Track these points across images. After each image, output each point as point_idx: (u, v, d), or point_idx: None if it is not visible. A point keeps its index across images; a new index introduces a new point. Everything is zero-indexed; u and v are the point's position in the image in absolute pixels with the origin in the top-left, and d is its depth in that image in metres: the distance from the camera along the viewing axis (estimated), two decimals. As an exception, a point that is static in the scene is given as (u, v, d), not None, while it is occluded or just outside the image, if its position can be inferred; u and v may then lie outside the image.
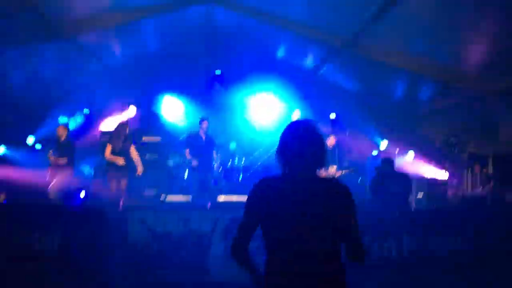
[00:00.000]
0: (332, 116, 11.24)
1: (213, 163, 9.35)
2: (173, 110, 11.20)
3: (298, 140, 2.31)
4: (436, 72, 8.19)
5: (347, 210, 2.24)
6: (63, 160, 7.93)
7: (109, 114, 10.97)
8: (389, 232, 6.28)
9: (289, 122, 2.48)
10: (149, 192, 9.60)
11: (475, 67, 7.66)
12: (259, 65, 10.60)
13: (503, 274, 6.15)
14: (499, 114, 9.22)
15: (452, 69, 8.00)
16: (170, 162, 10.68)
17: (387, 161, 6.82)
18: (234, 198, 8.71)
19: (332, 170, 8.55)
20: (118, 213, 6.20)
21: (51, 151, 8.08)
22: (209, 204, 7.96)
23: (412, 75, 8.57)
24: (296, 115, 11.46)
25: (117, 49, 9.16)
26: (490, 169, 10.05)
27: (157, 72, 10.36)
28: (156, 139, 10.29)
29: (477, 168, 10.30)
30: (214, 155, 9.28)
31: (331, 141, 9.04)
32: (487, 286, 6.00)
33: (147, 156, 10.18)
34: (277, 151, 2.39)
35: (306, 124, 2.38)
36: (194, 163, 8.60)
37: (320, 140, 2.33)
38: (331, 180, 2.36)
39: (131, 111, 10.85)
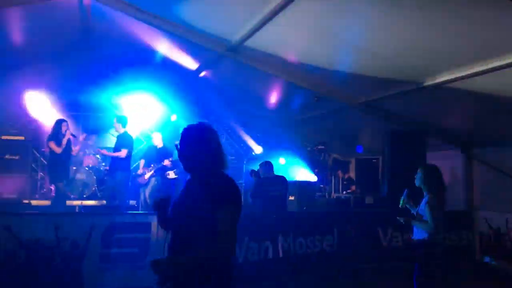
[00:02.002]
0: (211, 118, 11.37)
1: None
2: (39, 107, 10.31)
3: (188, 143, 2.56)
4: (308, 83, 8.75)
5: (216, 205, 2.47)
6: None
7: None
8: (267, 234, 6.56)
9: (185, 126, 2.67)
10: (9, 196, 8.70)
11: (342, 82, 8.36)
12: (136, 64, 10.27)
13: (364, 269, 6.85)
14: (358, 124, 10.20)
15: (321, 82, 8.62)
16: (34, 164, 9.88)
17: (266, 165, 7.09)
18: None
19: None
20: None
21: None
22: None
23: (288, 84, 9.03)
24: (174, 118, 11.37)
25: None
26: (352, 174, 11.06)
27: (22, 67, 9.43)
28: (19, 138, 9.36)
29: (340, 173, 11.26)
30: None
31: (155, 139, 9.43)
32: (351, 282, 6.60)
33: (7, 156, 9.25)
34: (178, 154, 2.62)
35: (194, 128, 2.62)
36: None
37: (205, 141, 2.55)
38: (219, 179, 2.55)
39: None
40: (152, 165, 9.28)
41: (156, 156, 9.36)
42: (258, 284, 6.14)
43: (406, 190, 4.71)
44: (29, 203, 7.92)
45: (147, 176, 9.15)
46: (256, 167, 8.10)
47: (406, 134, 8.46)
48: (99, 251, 5.69)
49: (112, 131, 9.59)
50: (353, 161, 11.24)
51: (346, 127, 10.71)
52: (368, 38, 6.55)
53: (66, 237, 5.56)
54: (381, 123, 9.00)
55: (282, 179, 7.08)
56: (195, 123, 2.69)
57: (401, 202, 4.77)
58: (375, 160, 9.83)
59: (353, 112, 9.21)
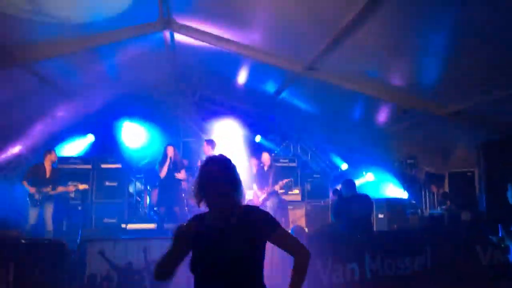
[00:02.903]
0: (294, 137, 11.40)
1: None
2: (134, 136, 11.07)
3: (209, 177, 2.48)
4: (392, 96, 8.44)
5: (270, 228, 2.50)
6: (53, 191, 7.98)
7: (67, 139, 10.81)
8: (352, 255, 6.34)
9: (205, 159, 2.65)
10: (108, 221, 9.35)
11: (428, 92, 7.94)
12: (221, 90, 10.67)
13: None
14: (452, 134, 9.56)
15: (407, 94, 8.27)
16: (131, 189, 10.55)
17: (348, 184, 6.90)
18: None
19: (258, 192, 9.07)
20: (76, 244, 5.99)
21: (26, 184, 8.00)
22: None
23: (370, 98, 8.78)
24: (258, 139, 11.56)
25: (74, 75, 8.96)
26: (446, 188, 10.35)
27: (117, 98, 10.24)
28: (116, 166, 10.07)
29: (434, 187, 10.58)
30: (183, 181, 9.22)
31: (265, 160, 9.24)
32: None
33: (107, 183, 9.98)
34: (195, 187, 2.55)
35: (215, 161, 2.56)
36: None
37: (228, 174, 2.51)
38: (250, 209, 2.57)
39: (89, 139, 10.86)
40: (265, 188, 9.17)
41: (265, 176, 9.22)
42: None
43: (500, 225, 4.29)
44: (125, 228, 8.44)
45: (261, 199, 9.06)
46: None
47: (504, 143, 7.78)
48: (185, 273, 5.87)
49: (202, 155, 9.75)
50: (447, 174, 10.53)
51: (437, 139, 10.11)
52: (453, 44, 6.21)
53: (154, 259, 5.84)
54: (475, 133, 8.39)
55: (364, 198, 6.84)
56: (217, 155, 2.66)
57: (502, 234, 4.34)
58: (470, 173, 9.13)
59: (443, 122, 8.70)
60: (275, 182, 9.05)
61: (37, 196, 7.85)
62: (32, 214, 7.83)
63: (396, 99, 8.49)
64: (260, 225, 2.48)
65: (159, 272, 2.58)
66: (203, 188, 2.50)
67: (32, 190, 7.90)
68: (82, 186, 8.44)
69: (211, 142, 9.14)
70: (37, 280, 5.41)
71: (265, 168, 9.33)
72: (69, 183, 8.47)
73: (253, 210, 2.57)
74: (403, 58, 7.13)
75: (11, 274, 5.48)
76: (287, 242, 2.54)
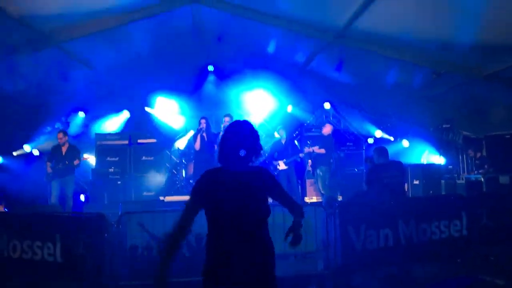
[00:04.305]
0: (327, 106, 11.29)
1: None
2: (167, 110, 11.25)
3: (232, 139, 2.75)
4: (426, 60, 8.25)
5: (272, 187, 2.81)
6: (65, 165, 8.35)
7: (104, 117, 11.11)
8: (385, 221, 6.33)
9: (230, 123, 2.90)
10: (147, 194, 9.65)
11: (463, 54, 7.71)
12: (250, 62, 10.64)
13: (496, 257, 6.27)
14: (488, 97, 9.29)
15: (441, 57, 8.06)
16: (167, 163, 10.79)
17: (380, 151, 6.82)
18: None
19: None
20: (117, 217, 6.23)
21: (48, 163, 8.42)
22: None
23: (403, 64, 8.61)
24: (290, 109, 11.53)
25: (106, 53, 9.16)
26: (484, 152, 10.11)
27: (149, 74, 10.39)
28: (151, 140, 10.31)
29: (471, 151, 10.35)
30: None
31: (327, 129, 9.14)
32: (481, 270, 6.09)
33: (143, 158, 10.25)
34: (218, 147, 2.85)
35: (240, 125, 2.81)
36: None
37: (250, 138, 2.76)
38: (256, 168, 2.81)
39: (125, 115, 11.11)
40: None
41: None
42: (379, 271, 5.99)
43: None
44: (163, 200, 8.69)
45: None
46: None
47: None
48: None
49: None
50: (484, 138, 10.26)
51: (473, 102, 9.85)
52: (487, 4, 5.99)
53: (191, 231, 6.02)
54: (512, 94, 8.14)
55: (397, 164, 6.75)
56: (244, 119, 2.88)
57: None
58: (508, 136, 8.87)
59: (479, 85, 8.46)
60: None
61: (50, 172, 8.36)
62: (53, 189, 8.36)
63: (431, 63, 8.31)
64: (267, 181, 2.78)
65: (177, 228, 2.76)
66: (225, 147, 2.74)
67: (49, 169, 8.39)
68: (85, 157, 9.08)
69: (229, 116, 9.07)
70: (82, 251, 5.70)
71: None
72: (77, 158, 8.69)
73: (262, 170, 2.82)
74: (437, 19, 6.92)
75: (58, 247, 5.80)
76: (285, 199, 2.92)
